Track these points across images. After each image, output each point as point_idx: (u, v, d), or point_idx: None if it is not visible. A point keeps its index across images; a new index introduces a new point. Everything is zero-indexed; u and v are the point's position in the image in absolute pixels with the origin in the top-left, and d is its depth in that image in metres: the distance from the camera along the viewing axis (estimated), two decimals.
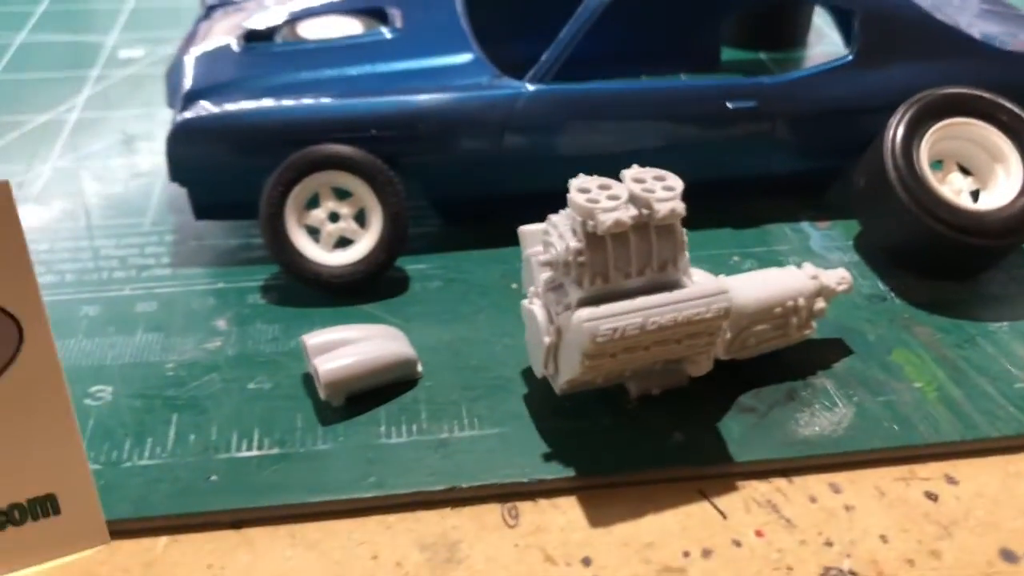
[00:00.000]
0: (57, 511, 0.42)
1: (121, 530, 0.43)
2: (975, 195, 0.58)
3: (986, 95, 0.58)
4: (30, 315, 0.38)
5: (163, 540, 0.43)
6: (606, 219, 0.41)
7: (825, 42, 0.87)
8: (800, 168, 0.63)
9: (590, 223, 0.42)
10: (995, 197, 0.56)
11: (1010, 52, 0.62)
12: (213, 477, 0.44)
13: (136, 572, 0.41)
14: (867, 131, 0.59)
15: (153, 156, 0.71)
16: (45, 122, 0.76)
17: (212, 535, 0.43)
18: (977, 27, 0.65)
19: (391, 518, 0.44)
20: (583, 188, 0.43)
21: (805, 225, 0.63)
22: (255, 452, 0.46)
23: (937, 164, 0.59)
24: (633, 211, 0.42)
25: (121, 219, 0.64)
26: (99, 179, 0.68)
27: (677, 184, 0.43)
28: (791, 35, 0.86)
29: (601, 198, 0.42)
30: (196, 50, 0.64)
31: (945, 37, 0.61)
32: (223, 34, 0.66)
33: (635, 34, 0.76)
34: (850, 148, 0.60)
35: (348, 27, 0.67)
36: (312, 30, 0.67)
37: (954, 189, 0.57)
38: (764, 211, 0.64)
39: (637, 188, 0.42)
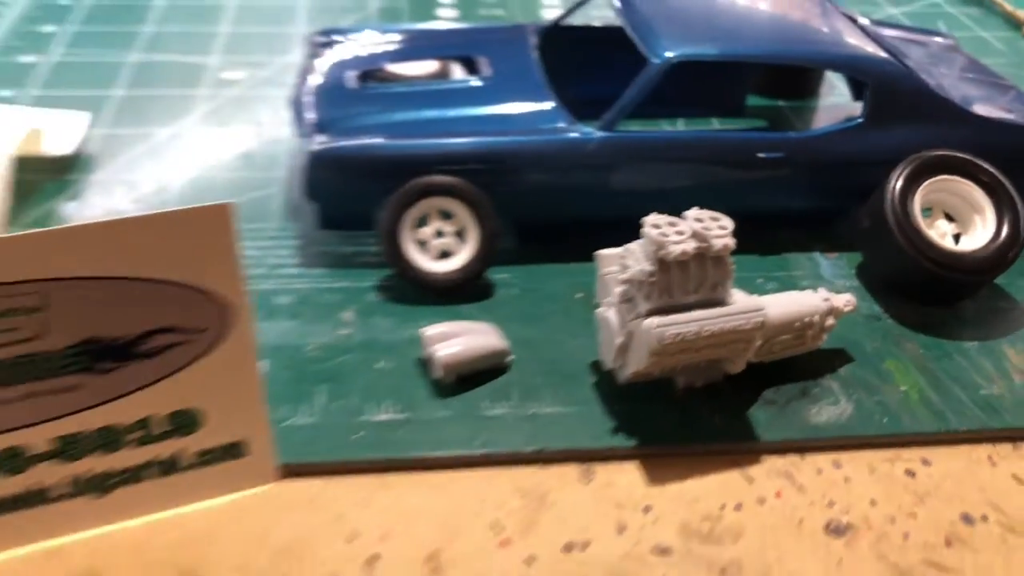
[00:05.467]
0: (241, 455, 0.52)
1: (287, 473, 0.52)
2: (957, 238, 0.67)
3: (970, 158, 0.69)
4: (239, 301, 0.49)
5: (319, 482, 0.53)
6: (674, 249, 0.54)
7: (835, 93, 0.98)
8: (815, 207, 0.74)
9: (661, 252, 0.54)
10: (973, 241, 0.67)
11: (990, 119, 0.73)
12: (359, 434, 0.56)
13: (301, 505, 0.52)
14: (871, 181, 0.68)
15: (266, 171, 0.81)
16: (169, 135, 0.87)
17: (358, 479, 0.53)
18: (960, 90, 0.76)
19: (494, 471, 0.55)
20: (655, 224, 0.55)
21: (817, 255, 0.73)
22: (388, 416, 0.57)
23: (927, 211, 0.68)
24: (694, 244, 0.54)
25: (246, 225, 0.75)
26: (220, 190, 0.78)
27: (729, 224, 0.55)
28: (807, 87, 0.97)
29: (670, 232, 0.54)
30: (318, 85, 0.76)
31: (939, 106, 0.72)
32: (338, 71, 0.78)
33: (676, 84, 0.88)
34: (856, 193, 0.70)
35: (440, 70, 0.80)
36: (410, 70, 0.79)
37: (940, 233, 0.68)
38: (783, 242, 0.74)
39: (698, 226, 0.55)
